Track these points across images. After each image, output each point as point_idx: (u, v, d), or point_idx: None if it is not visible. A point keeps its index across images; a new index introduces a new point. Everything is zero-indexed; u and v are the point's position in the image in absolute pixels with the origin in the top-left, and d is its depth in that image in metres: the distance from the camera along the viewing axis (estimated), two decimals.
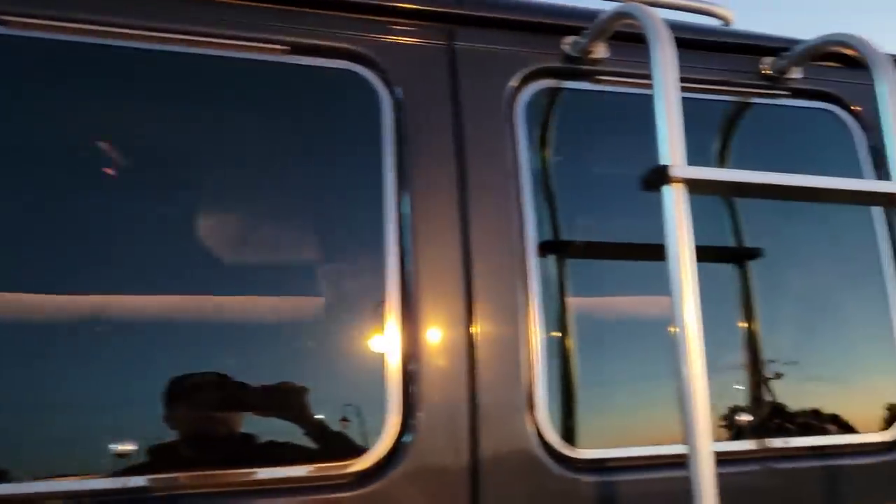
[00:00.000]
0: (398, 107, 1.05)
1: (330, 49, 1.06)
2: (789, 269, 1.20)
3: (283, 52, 1.05)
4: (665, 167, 0.90)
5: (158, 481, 0.86)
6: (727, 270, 1.17)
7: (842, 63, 1.26)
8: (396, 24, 1.08)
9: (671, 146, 0.92)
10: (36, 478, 0.84)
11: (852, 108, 1.24)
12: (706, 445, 0.84)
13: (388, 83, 1.06)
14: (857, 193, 1.02)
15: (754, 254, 1.17)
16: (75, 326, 0.90)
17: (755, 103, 1.24)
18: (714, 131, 1.23)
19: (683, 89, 1.18)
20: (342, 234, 1.03)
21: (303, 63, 1.06)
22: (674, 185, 0.90)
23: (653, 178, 0.91)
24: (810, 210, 1.22)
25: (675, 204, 0.90)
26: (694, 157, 1.02)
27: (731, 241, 1.18)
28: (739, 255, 1.17)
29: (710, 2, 1.44)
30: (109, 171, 0.97)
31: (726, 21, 1.43)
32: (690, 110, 1.20)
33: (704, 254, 1.15)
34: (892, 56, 1.09)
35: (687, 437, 0.85)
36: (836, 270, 1.20)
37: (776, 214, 1.21)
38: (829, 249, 1.22)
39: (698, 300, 0.88)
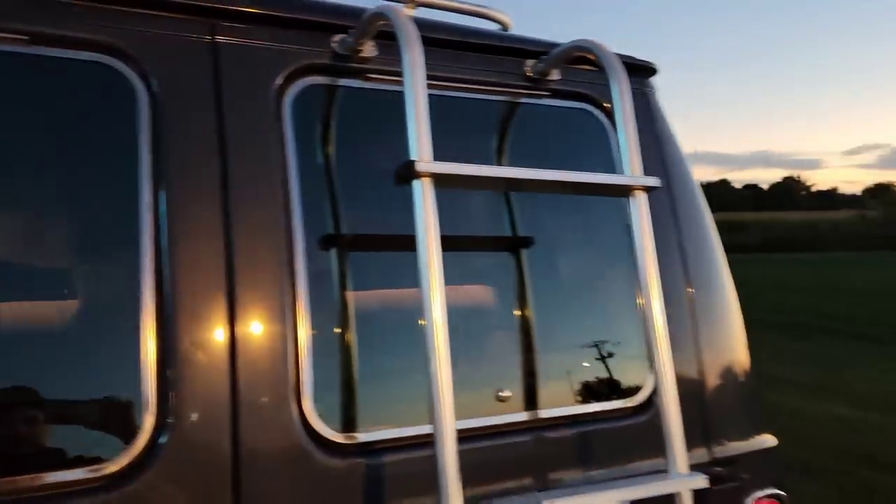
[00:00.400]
0: (155, 103, 1.02)
1: (81, 40, 1.02)
2: (552, 257, 1.30)
3: (27, 42, 0.99)
4: (412, 162, 0.95)
5: None
6: (497, 259, 1.25)
7: (594, 66, 1.38)
8: (154, 15, 1.06)
9: (419, 143, 0.97)
10: None
11: (604, 106, 1.36)
12: (450, 424, 0.91)
13: (144, 77, 1.03)
14: (596, 186, 1.13)
15: (521, 243, 1.27)
16: None
17: (521, 103, 1.34)
18: (484, 130, 1.31)
19: (453, 89, 1.25)
20: (96, 234, 0.99)
21: (50, 55, 1.01)
22: (421, 179, 0.96)
23: (402, 173, 0.96)
24: (576, 203, 1.34)
25: (423, 197, 0.96)
26: (460, 155, 1.08)
27: (497, 232, 1.26)
28: (505, 245, 1.26)
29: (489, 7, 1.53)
30: None
31: (505, 26, 1.52)
32: (460, 109, 1.27)
33: (468, 243, 1.23)
34: (622, 57, 1.22)
35: (433, 417, 0.91)
36: (593, 257, 1.32)
37: (544, 208, 1.31)
38: (587, 238, 1.34)
39: (443, 289, 0.94)
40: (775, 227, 37.43)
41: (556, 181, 1.09)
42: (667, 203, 1.37)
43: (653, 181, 1.13)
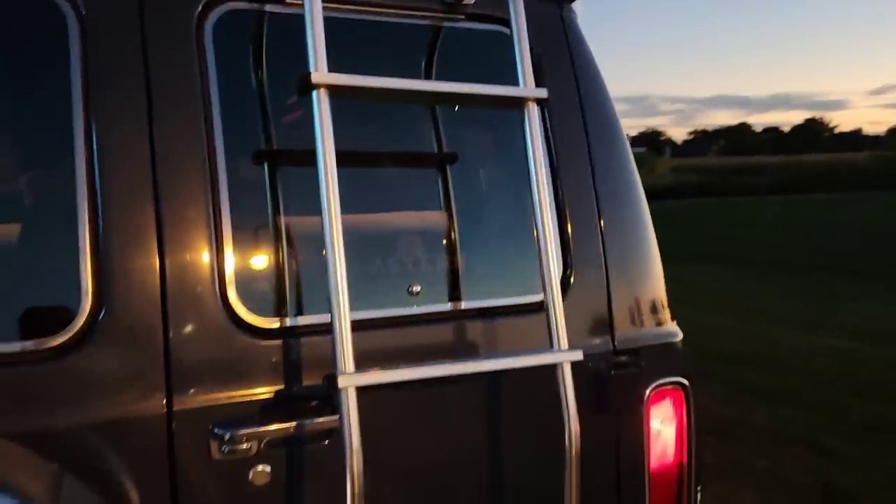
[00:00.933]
0: (84, 28, 1.14)
1: None
2: (461, 169, 1.42)
3: None
4: (308, 74, 1.07)
5: None
6: (407, 171, 1.38)
7: None
8: None
9: (315, 55, 1.09)
10: None
11: (516, 25, 1.46)
12: (345, 313, 1.05)
13: (74, 5, 1.14)
14: (490, 98, 1.24)
15: (432, 157, 1.39)
16: None
17: (439, 27, 1.44)
18: (401, 54, 1.42)
19: (369, 13, 1.35)
20: (35, 158, 1.14)
21: None
22: (318, 90, 1.08)
23: (300, 85, 1.09)
24: (487, 118, 1.45)
25: (319, 107, 1.08)
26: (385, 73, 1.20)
27: (408, 146, 1.39)
28: (414, 158, 1.38)
29: None
30: None
31: None
32: (375, 32, 1.37)
33: (382, 157, 1.36)
34: None
35: (330, 306, 1.06)
36: (497, 168, 1.45)
37: (453, 124, 1.42)
38: (495, 151, 1.45)
39: (337, 192, 1.07)
40: (790, 169, 36.95)
41: (452, 93, 1.21)
42: (579, 120, 1.48)
43: (542, 93, 1.24)
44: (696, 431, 1.52)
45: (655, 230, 1.65)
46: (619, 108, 1.61)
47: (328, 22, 1.17)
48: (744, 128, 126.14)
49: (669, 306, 1.59)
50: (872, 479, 3.79)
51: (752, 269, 12.07)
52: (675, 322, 1.57)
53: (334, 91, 1.09)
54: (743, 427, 4.62)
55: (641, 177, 1.63)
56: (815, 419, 4.73)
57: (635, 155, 1.61)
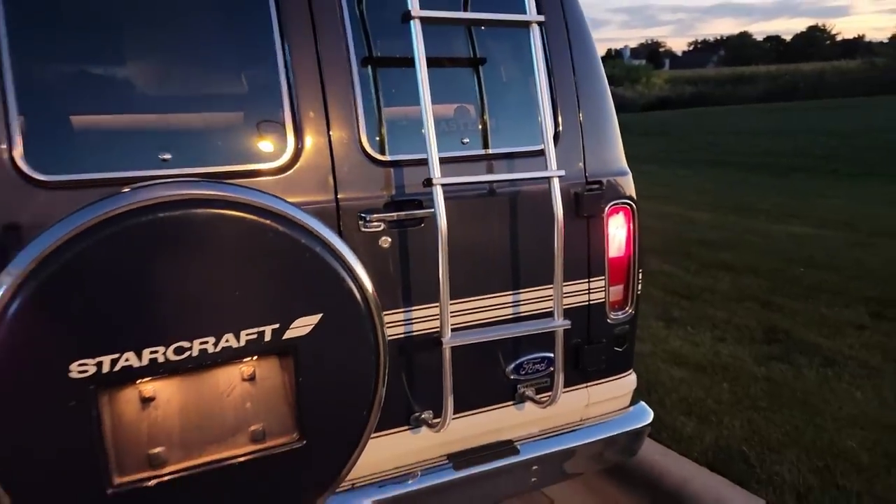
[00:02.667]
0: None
1: None
2: (492, 69, 2.23)
3: None
4: (409, 11, 1.87)
5: None
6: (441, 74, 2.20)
7: None
8: None
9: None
10: None
11: None
12: (434, 153, 1.89)
13: None
14: (508, 21, 2.05)
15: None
16: None
17: None
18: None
19: None
20: (253, 67, 1.95)
21: None
22: (414, 21, 1.88)
23: (404, 16, 1.88)
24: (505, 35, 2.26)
25: (416, 32, 1.88)
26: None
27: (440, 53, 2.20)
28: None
29: None
30: None
31: None
32: None
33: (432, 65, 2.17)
34: None
35: (429, 152, 1.90)
36: (514, 67, 2.27)
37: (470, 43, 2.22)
38: (510, 58, 2.27)
39: (429, 91, 1.90)
40: (783, 77, 37.04)
41: (487, 19, 2.02)
42: (564, 41, 2.28)
43: (541, 18, 2.04)
44: (638, 235, 2.40)
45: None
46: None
47: None
48: (745, 37, 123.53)
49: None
50: (804, 321, 4.77)
51: (736, 171, 12.90)
52: (627, 167, 2.42)
53: (424, 20, 1.88)
54: (709, 292, 5.58)
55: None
56: (769, 285, 5.68)
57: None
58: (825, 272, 5.97)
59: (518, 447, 2.24)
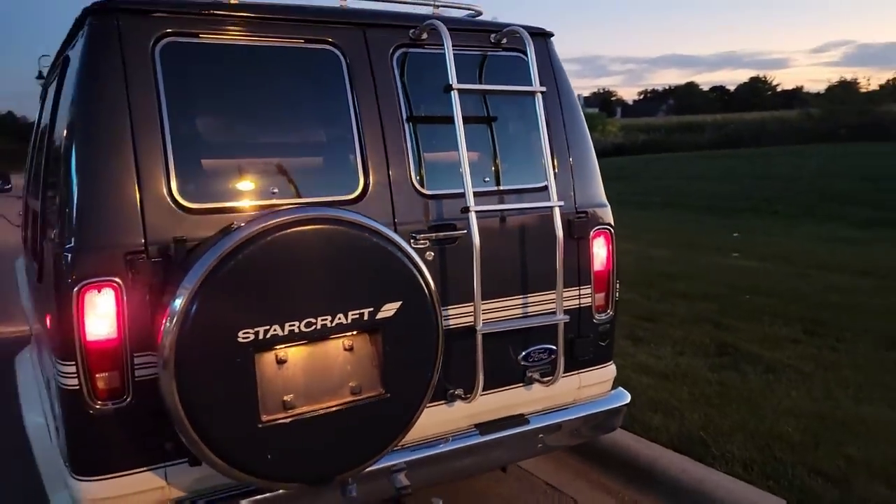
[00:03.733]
0: (349, 66, 2.60)
1: (321, 41, 2.59)
2: (494, 129, 2.92)
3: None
4: (450, 84, 2.54)
5: None
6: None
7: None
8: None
9: (452, 72, 2.57)
10: None
11: (527, 53, 2.95)
12: (469, 187, 2.56)
13: (342, 52, 2.60)
14: (518, 91, 2.75)
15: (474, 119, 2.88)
16: None
17: (487, 55, 2.91)
18: (473, 70, 2.88)
19: (461, 48, 2.81)
20: (333, 129, 2.60)
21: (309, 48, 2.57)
22: (454, 91, 2.55)
23: (446, 88, 2.55)
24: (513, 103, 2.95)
25: (455, 99, 2.56)
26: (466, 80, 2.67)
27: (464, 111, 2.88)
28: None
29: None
30: None
31: (478, 12, 3.07)
32: (461, 61, 2.84)
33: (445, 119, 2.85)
34: (533, 28, 2.81)
35: (465, 184, 2.57)
36: (520, 126, 2.96)
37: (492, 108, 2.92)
38: (518, 118, 2.96)
39: (465, 141, 2.57)
40: (729, 126, 39.21)
41: (500, 90, 2.71)
42: (557, 105, 2.98)
43: (543, 89, 2.73)
44: (616, 256, 3.07)
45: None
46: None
47: (437, 54, 2.63)
48: (692, 86, 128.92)
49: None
50: (749, 338, 5.51)
51: (688, 212, 13.94)
52: (606, 201, 3.11)
53: (461, 91, 2.55)
54: (668, 315, 6.31)
55: (594, 137, 3.12)
56: (719, 309, 6.44)
57: (588, 115, 3.09)
58: (767, 298, 6.78)
59: (528, 419, 2.86)
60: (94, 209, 2.13)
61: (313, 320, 2.08)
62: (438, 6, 2.94)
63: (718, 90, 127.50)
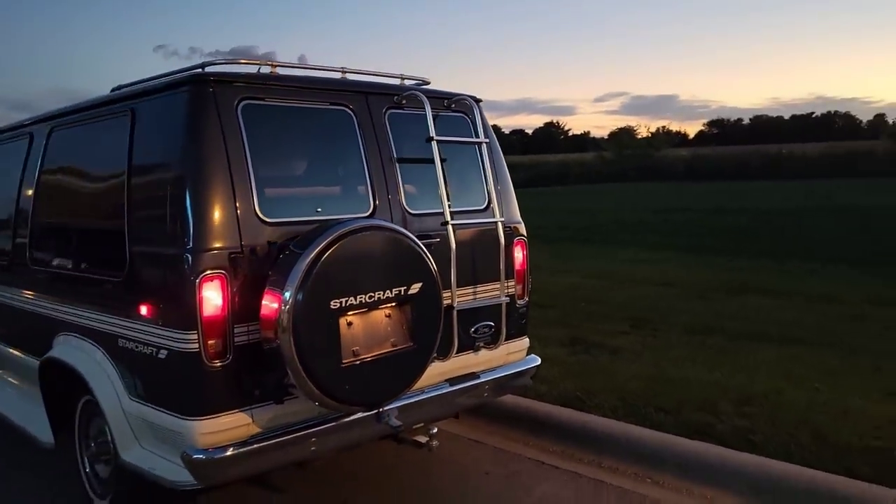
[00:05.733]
0: (358, 123, 3.62)
1: (338, 103, 3.59)
2: (455, 171, 4.09)
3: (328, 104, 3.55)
4: (431, 136, 3.65)
5: None
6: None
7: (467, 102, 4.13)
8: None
9: (432, 126, 3.68)
10: None
11: (470, 116, 4.13)
12: (448, 209, 3.69)
13: (352, 111, 3.62)
14: (468, 142, 3.94)
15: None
16: None
17: (442, 116, 4.05)
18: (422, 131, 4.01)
19: (415, 108, 3.96)
20: (346, 174, 3.61)
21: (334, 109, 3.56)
22: (433, 141, 3.67)
23: (427, 139, 3.65)
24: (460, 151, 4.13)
25: (436, 148, 3.67)
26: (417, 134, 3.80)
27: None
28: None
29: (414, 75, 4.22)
30: None
31: (425, 82, 4.22)
32: (414, 122, 3.98)
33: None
34: (471, 96, 4.03)
35: (444, 207, 3.68)
36: (468, 170, 4.14)
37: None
38: (465, 165, 4.13)
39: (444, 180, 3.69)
40: (538, 167, 43.45)
41: (454, 140, 3.87)
42: (490, 148, 4.19)
43: (487, 140, 3.92)
44: (529, 259, 4.33)
45: None
46: None
47: (412, 114, 3.75)
48: (496, 129, 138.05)
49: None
50: (593, 332, 7.08)
51: None
52: (521, 219, 4.35)
53: (438, 141, 3.64)
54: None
55: None
56: (564, 314, 8.01)
57: None
58: (596, 305, 8.49)
59: (479, 375, 3.99)
60: (208, 223, 2.97)
61: (372, 294, 3.08)
62: (404, 78, 4.05)
63: (518, 133, 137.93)
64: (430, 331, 3.36)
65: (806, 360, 5.95)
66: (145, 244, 3.20)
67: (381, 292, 3.13)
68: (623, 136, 49.03)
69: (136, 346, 3.18)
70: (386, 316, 3.23)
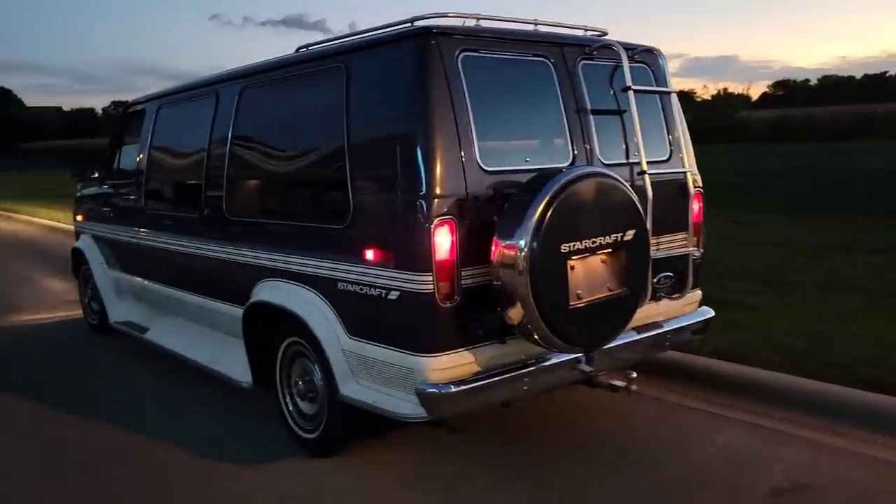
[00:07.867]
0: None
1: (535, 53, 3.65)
2: None
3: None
4: (628, 86, 3.68)
5: None
6: None
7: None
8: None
9: (627, 74, 3.71)
10: None
11: (655, 66, 4.13)
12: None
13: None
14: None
15: None
16: None
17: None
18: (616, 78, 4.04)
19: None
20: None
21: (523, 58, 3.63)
22: (629, 91, 3.70)
23: (623, 88, 3.69)
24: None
25: (630, 97, 3.70)
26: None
27: None
28: None
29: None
30: None
31: (604, 32, 4.23)
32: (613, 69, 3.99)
33: None
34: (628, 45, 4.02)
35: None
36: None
37: None
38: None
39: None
40: None
41: (653, 90, 3.90)
42: (670, 101, 4.21)
43: (675, 89, 3.97)
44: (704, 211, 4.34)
45: None
46: None
47: (602, 65, 3.78)
48: None
49: None
50: (721, 289, 7.03)
51: None
52: None
53: (635, 91, 3.70)
54: None
55: None
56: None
57: None
58: (715, 265, 8.37)
59: (662, 324, 4.06)
60: (439, 170, 3.10)
61: (595, 239, 3.18)
62: (587, 30, 4.08)
63: None
64: (640, 277, 3.44)
65: None
66: (372, 193, 3.36)
67: (602, 238, 3.22)
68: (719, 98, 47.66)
69: (361, 289, 3.35)
70: (602, 262, 3.33)
